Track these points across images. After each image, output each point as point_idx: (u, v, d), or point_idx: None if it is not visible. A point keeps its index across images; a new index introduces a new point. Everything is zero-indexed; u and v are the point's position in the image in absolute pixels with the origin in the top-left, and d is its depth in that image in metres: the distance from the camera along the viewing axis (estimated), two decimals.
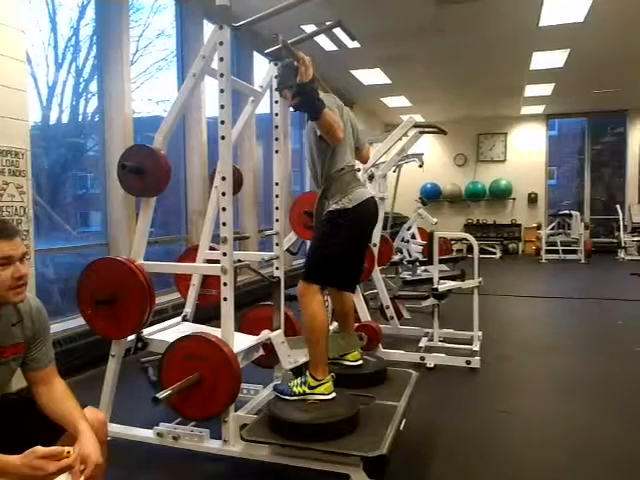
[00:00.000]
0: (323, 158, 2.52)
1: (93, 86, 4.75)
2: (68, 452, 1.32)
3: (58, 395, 1.56)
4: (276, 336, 2.71)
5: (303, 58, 2.28)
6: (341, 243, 2.45)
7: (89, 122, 4.96)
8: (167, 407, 2.31)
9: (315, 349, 2.38)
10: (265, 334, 2.77)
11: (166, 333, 2.77)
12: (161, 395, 2.14)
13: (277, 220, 2.93)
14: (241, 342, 2.55)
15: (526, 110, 11.92)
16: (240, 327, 2.89)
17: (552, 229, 11.42)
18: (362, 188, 2.57)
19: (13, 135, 3.13)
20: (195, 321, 3.11)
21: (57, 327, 3.72)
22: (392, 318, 4.41)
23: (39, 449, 1.27)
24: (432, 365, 3.85)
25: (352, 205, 2.45)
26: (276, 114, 2.90)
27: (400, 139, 4.45)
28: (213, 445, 2.38)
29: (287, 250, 3.30)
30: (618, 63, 8.05)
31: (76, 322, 3.73)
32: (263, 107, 5.62)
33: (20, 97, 3.21)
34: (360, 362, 2.80)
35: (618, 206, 11.27)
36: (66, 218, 4.66)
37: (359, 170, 3.27)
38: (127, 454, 2.44)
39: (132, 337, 2.58)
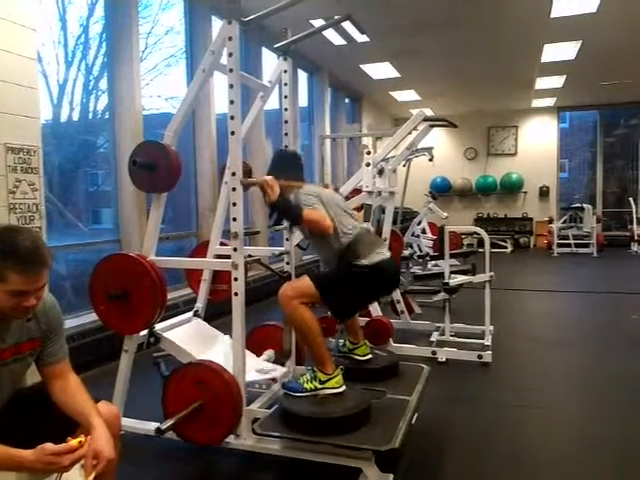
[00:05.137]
0: (329, 241, 2.46)
1: (103, 83, 4.77)
2: (80, 442, 1.32)
3: (72, 390, 1.58)
4: (282, 376, 2.75)
5: (265, 181, 2.30)
6: (348, 292, 2.44)
7: (99, 119, 4.99)
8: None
9: (314, 347, 2.37)
10: (269, 354, 2.93)
11: (177, 330, 2.80)
12: (164, 426, 2.21)
13: None
14: (251, 374, 2.60)
15: (537, 103, 11.81)
16: (248, 345, 2.88)
17: (564, 222, 11.32)
18: (381, 250, 2.54)
19: (25, 132, 3.15)
20: (206, 316, 3.12)
21: (70, 323, 3.75)
22: (403, 313, 4.41)
23: (48, 447, 1.27)
24: (444, 359, 3.84)
25: (367, 264, 2.41)
26: (285, 109, 2.89)
27: (410, 133, 4.42)
28: (226, 439, 2.39)
29: (297, 245, 3.30)
30: (632, 54, 7.93)
31: (89, 318, 3.77)
32: (272, 102, 5.63)
33: (31, 95, 3.23)
34: (369, 356, 2.81)
35: (631, 199, 11.14)
36: (78, 215, 4.70)
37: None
38: (140, 448, 2.47)
39: (144, 332, 2.60)
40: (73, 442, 1.32)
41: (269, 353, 3.01)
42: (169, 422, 2.22)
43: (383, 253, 2.51)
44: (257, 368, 2.78)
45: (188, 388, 2.34)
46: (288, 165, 2.65)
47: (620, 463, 2.43)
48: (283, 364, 2.90)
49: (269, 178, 2.33)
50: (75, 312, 4.02)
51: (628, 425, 2.81)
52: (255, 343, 3.02)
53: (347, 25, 6.01)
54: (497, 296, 4.71)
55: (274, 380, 2.75)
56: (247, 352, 2.62)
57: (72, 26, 4.55)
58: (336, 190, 3.50)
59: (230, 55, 2.26)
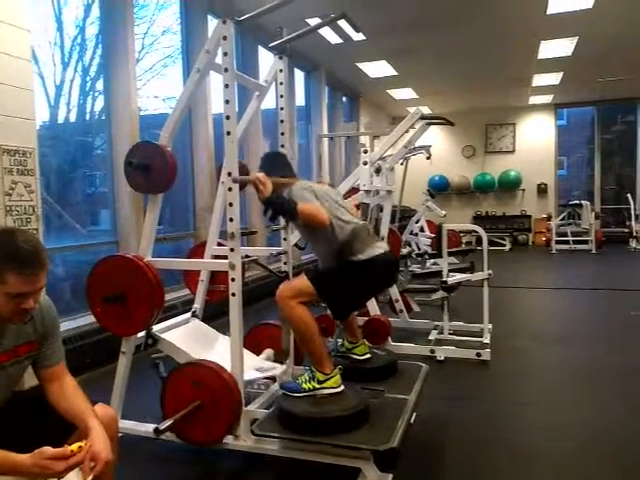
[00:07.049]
0: (326, 237, 2.44)
1: (100, 84, 4.76)
2: (80, 447, 1.32)
3: (69, 392, 1.57)
4: (281, 374, 2.74)
5: (257, 178, 2.31)
6: (347, 289, 2.44)
7: (96, 120, 4.97)
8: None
9: (312, 346, 2.37)
10: (268, 353, 2.91)
11: (175, 331, 2.79)
12: (162, 426, 2.21)
13: None
14: (250, 373, 2.59)
15: (534, 100, 11.80)
16: (246, 344, 2.84)
17: (562, 219, 11.32)
18: (378, 244, 2.53)
19: (21, 134, 3.14)
20: (204, 316, 3.12)
21: (68, 325, 3.74)
22: (401, 311, 4.40)
23: (47, 450, 1.27)
24: (442, 358, 3.84)
25: (364, 259, 2.39)
26: (281, 108, 2.89)
27: (407, 131, 4.41)
28: (224, 440, 2.39)
29: (295, 245, 3.29)
30: (628, 50, 7.93)
31: (86, 320, 3.76)
32: (269, 102, 5.61)
33: (27, 96, 3.21)
34: (367, 356, 2.80)
35: (629, 195, 11.15)
36: (76, 217, 4.68)
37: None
38: (138, 450, 2.46)
39: (142, 334, 2.59)
40: (72, 447, 1.31)
41: (268, 352, 3.01)
42: (167, 422, 2.22)
43: (380, 247, 2.51)
44: (256, 367, 2.78)
45: (186, 388, 2.33)
46: (278, 164, 2.66)
47: (621, 459, 2.43)
48: (282, 363, 2.89)
49: (261, 175, 2.33)
50: (73, 314, 4.01)
51: (629, 421, 2.81)
52: (254, 342, 3.01)
53: (342, 23, 5.99)
54: (496, 294, 4.71)
55: (273, 379, 2.75)
56: (246, 351, 2.61)
57: (68, 27, 4.54)
58: (331, 186, 3.49)
59: (225, 54, 2.26)
